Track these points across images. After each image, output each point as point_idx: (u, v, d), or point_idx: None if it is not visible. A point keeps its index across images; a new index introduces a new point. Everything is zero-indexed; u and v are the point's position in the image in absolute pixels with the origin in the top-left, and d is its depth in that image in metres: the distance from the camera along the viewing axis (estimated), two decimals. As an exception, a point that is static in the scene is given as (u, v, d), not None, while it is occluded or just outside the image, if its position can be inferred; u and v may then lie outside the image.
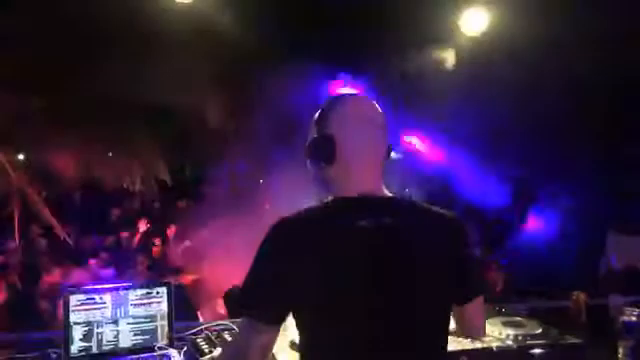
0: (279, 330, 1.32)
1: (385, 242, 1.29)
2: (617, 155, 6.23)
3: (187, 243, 6.43)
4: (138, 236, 6.96)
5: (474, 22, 6.02)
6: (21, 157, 8.21)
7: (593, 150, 6.18)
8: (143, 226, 7.05)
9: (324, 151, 1.37)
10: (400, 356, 1.30)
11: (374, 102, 1.44)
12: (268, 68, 6.17)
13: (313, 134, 1.42)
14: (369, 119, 1.40)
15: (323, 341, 1.30)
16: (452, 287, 1.37)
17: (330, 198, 1.39)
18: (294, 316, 1.32)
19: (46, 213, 6.51)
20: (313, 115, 1.45)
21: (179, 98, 6.94)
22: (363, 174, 1.37)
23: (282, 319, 1.31)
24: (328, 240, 1.28)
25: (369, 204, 1.34)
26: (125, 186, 9.31)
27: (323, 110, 1.42)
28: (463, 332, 1.57)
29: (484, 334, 1.82)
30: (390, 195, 1.40)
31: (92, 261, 5.92)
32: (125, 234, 7.08)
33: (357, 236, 1.28)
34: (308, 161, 1.44)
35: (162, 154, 9.16)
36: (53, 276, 5.30)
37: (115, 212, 8.59)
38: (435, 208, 1.41)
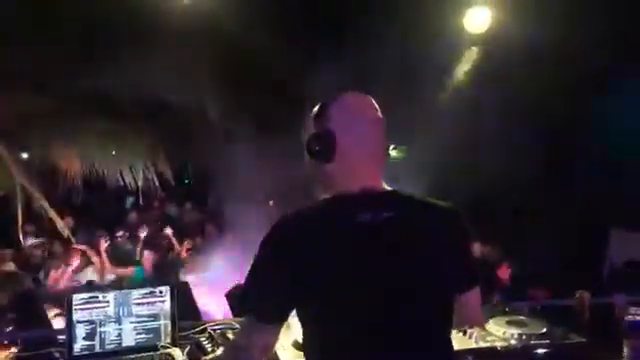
0: (281, 329, 1.32)
1: (385, 236, 1.29)
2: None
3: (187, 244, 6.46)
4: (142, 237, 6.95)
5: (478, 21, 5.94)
6: (25, 155, 8.23)
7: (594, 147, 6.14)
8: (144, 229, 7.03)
9: (324, 146, 1.35)
10: (405, 349, 1.29)
11: (373, 100, 1.43)
12: (271, 64, 6.15)
13: (311, 129, 1.39)
14: (369, 115, 1.39)
15: (325, 337, 1.30)
16: (452, 277, 1.37)
17: (330, 194, 1.37)
18: (297, 313, 1.32)
19: (50, 210, 6.53)
20: (311, 111, 1.42)
21: (182, 96, 6.93)
22: (364, 170, 1.37)
23: (283, 318, 1.31)
24: (328, 237, 1.27)
25: (369, 199, 1.33)
26: (129, 185, 9.35)
27: (323, 105, 1.39)
28: (462, 322, 1.60)
29: (483, 323, 2.04)
30: (389, 189, 1.40)
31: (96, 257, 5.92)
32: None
33: (357, 231, 1.28)
34: (306, 156, 1.40)
35: (165, 153, 9.17)
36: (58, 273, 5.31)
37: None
38: (433, 200, 1.41)
